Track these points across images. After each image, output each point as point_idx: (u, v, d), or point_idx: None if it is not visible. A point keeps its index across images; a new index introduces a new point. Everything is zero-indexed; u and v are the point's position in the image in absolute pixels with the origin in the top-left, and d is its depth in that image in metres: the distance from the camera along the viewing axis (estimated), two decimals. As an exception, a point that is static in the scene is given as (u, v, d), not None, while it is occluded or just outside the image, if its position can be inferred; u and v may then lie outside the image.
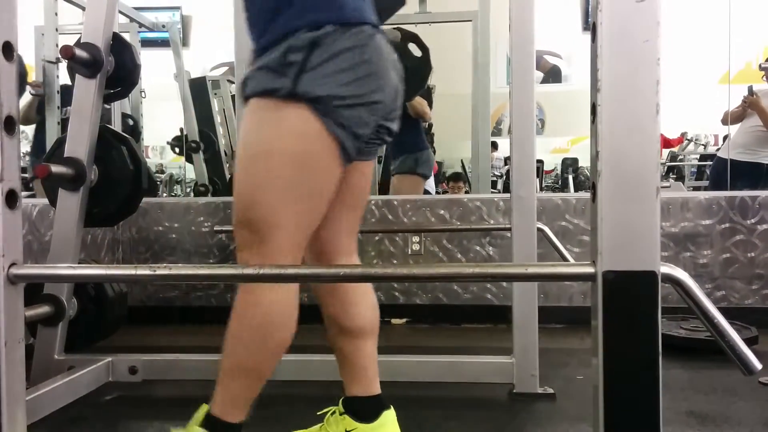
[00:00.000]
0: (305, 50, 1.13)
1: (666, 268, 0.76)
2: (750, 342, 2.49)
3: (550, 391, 1.99)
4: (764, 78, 4.35)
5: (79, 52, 2.02)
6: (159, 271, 0.82)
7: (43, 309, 2.04)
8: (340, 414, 1.47)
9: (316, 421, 1.56)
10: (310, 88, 1.13)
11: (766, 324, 2.89)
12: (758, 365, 0.76)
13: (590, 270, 0.77)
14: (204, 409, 1.28)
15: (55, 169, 2.00)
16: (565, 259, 2.05)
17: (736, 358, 0.76)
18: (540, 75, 7.14)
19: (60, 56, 2.22)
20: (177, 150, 5.31)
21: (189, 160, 5.01)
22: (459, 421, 1.65)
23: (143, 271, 0.82)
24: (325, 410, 1.55)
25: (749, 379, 2.09)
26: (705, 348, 2.42)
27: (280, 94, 1.14)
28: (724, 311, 0.80)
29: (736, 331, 0.79)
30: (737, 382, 2.07)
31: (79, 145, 2.06)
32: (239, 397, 1.28)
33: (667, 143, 6.17)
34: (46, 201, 2.31)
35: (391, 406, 1.51)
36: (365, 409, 1.43)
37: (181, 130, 4.97)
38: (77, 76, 2.10)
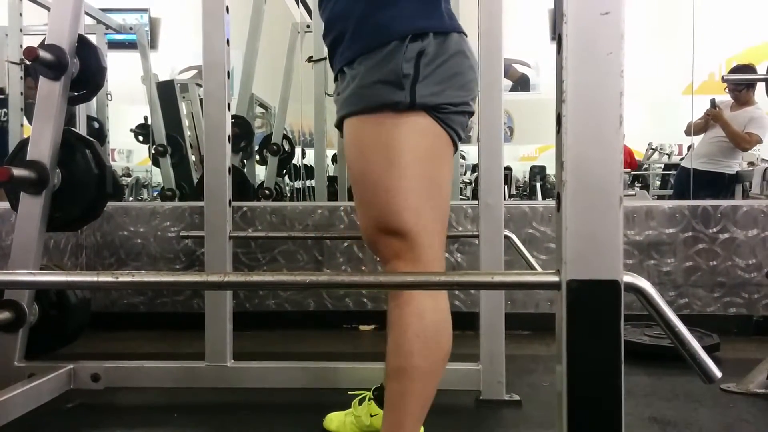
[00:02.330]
0: (414, 60, 1.18)
1: (629, 277, 0.77)
2: (711, 349, 2.54)
3: (516, 398, 2.01)
4: (726, 90, 4.45)
5: (44, 54, 1.98)
6: (122, 278, 0.80)
7: (3, 315, 2.00)
8: (369, 399, 1.65)
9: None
10: (426, 97, 1.19)
11: (727, 331, 2.96)
12: (718, 373, 0.77)
13: (555, 279, 0.78)
14: None
15: (17, 172, 1.95)
16: (531, 266, 2.07)
17: (697, 366, 0.77)
18: (508, 83, 7.22)
19: (24, 57, 2.17)
20: (141, 138, 5.23)
21: (156, 163, 4.94)
22: (426, 428, 1.65)
23: (105, 278, 0.80)
24: (357, 391, 1.68)
25: (711, 385, 2.13)
26: (668, 355, 2.46)
27: (400, 106, 1.18)
28: (686, 319, 0.82)
29: (697, 339, 0.80)
30: (699, 389, 2.11)
31: (42, 148, 2.02)
32: (414, 424, 1.24)
33: (631, 162, 6.28)
34: (7, 205, 2.26)
35: None
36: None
37: (146, 118, 4.90)
38: (41, 78, 2.06)
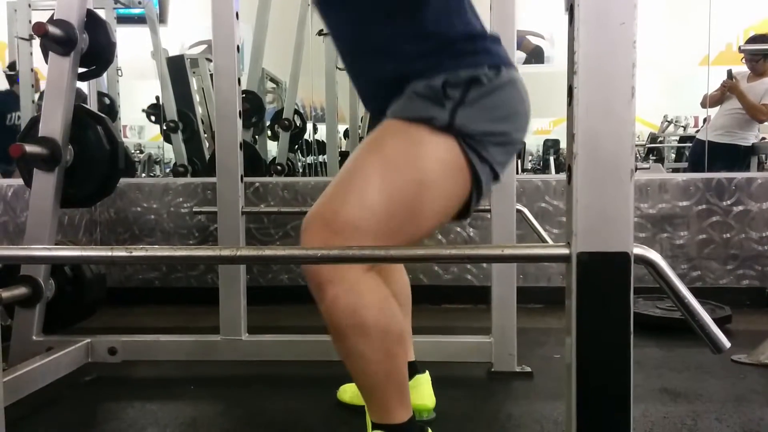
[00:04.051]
0: (463, 86, 1.16)
1: (639, 249, 0.77)
2: (723, 321, 2.54)
3: (528, 369, 2.02)
4: (743, 60, 4.38)
5: (53, 29, 1.98)
6: (136, 253, 0.81)
7: (20, 290, 2.03)
8: None
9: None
10: (466, 122, 1.15)
11: (739, 304, 2.95)
12: (727, 343, 0.78)
13: (565, 251, 0.78)
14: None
15: (30, 148, 1.97)
16: (542, 240, 2.07)
17: (705, 336, 0.78)
18: (522, 55, 7.13)
19: (33, 33, 2.18)
20: (153, 118, 5.23)
21: (167, 140, 4.95)
22: (438, 399, 1.67)
23: (120, 252, 0.81)
24: None
25: (722, 357, 2.14)
26: (679, 327, 2.46)
27: (434, 123, 1.15)
28: (699, 291, 0.82)
29: (709, 311, 0.80)
30: (710, 360, 2.12)
31: (54, 124, 2.03)
32: (395, 394, 1.23)
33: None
34: (21, 181, 2.28)
35: (426, 371, 1.68)
36: None
37: (157, 98, 4.89)
38: (51, 54, 2.06)
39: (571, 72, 0.77)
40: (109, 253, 0.81)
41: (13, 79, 4.07)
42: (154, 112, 5.12)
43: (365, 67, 1.31)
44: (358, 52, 1.31)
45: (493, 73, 1.19)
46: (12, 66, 4.10)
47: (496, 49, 1.24)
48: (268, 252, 0.84)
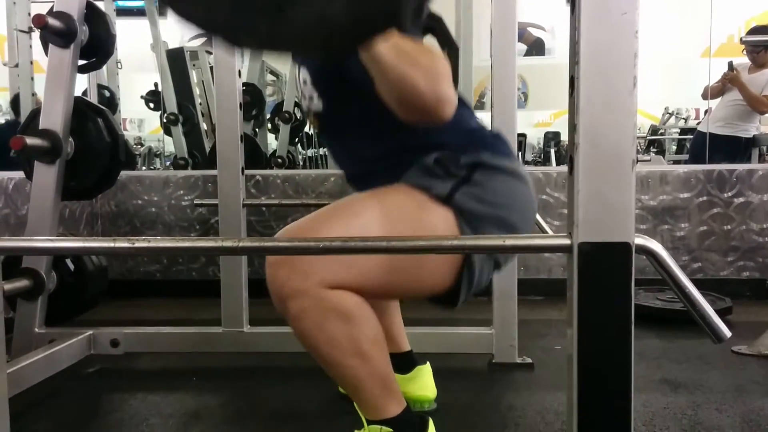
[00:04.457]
0: (468, 168, 1.20)
1: (640, 240, 0.77)
2: (724, 313, 2.54)
3: (529, 360, 2.03)
4: (744, 52, 4.37)
5: (53, 21, 1.98)
6: (138, 244, 0.82)
7: (22, 282, 2.03)
8: None
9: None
10: (465, 201, 1.18)
11: (740, 295, 2.95)
12: (727, 333, 0.78)
13: (566, 241, 0.78)
14: (366, 427, 1.25)
15: (30, 141, 1.97)
16: (543, 231, 2.07)
17: (706, 326, 0.78)
18: (523, 47, 7.11)
19: (32, 25, 2.17)
20: (152, 105, 5.22)
21: (168, 132, 4.94)
22: (439, 390, 1.68)
23: (122, 243, 0.82)
24: None
25: (722, 348, 2.14)
26: (680, 319, 2.47)
27: (433, 193, 1.18)
28: (700, 283, 0.82)
29: (710, 303, 0.80)
30: (711, 352, 2.12)
31: (54, 116, 2.03)
32: (381, 392, 1.23)
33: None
34: (22, 174, 2.28)
35: (427, 362, 1.68)
36: (398, 363, 1.48)
37: (156, 84, 4.88)
38: (51, 46, 2.06)
39: (573, 62, 0.76)
40: (112, 244, 0.81)
41: (17, 110, 4.07)
42: (153, 99, 5.11)
43: (357, 143, 1.33)
44: (353, 128, 1.32)
45: (497, 160, 1.24)
46: (15, 100, 4.09)
47: (501, 142, 1.30)
48: (270, 243, 0.85)
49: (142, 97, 5.30)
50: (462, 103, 1.24)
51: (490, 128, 1.35)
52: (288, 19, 0.60)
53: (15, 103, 4.06)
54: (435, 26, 1.31)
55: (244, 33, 0.63)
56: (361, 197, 1.22)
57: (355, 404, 1.27)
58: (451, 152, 1.22)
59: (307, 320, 1.12)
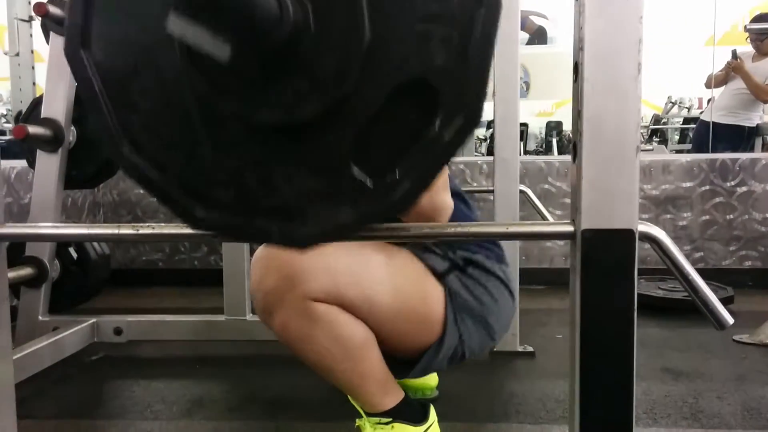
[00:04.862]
0: (463, 261, 1.26)
1: (643, 227, 0.77)
2: (726, 302, 2.54)
3: (530, 349, 2.04)
4: (748, 40, 4.34)
5: (54, 9, 1.97)
6: (142, 231, 0.82)
7: (26, 271, 2.04)
8: None
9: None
10: (457, 286, 1.24)
11: (742, 284, 2.96)
12: (730, 320, 0.78)
13: (569, 228, 0.78)
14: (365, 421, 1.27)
15: (33, 130, 1.97)
16: (545, 219, 2.07)
17: (709, 313, 0.78)
18: (525, 36, 7.07)
19: (33, 14, 2.17)
20: None
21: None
22: (441, 378, 1.69)
23: (126, 230, 0.82)
24: None
25: (724, 336, 2.15)
26: (681, 308, 2.47)
27: (430, 265, 1.24)
28: (702, 272, 0.82)
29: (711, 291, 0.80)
30: (712, 340, 2.13)
31: (56, 105, 2.03)
32: (377, 389, 1.25)
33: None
34: (24, 163, 2.29)
35: None
36: None
37: None
38: (52, 34, 2.06)
39: (577, 48, 0.76)
40: (116, 231, 0.82)
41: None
42: None
43: None
44: None
45: (490, 263, 1.28)
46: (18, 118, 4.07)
47: (497, 247, 1.34)
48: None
49: None
50: (461, 198, 1.30)
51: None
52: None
53: (17, 121, 4.04)
54: None
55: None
56: (374, 244, 1.22)
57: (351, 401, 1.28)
58: (456, 249, 1.27)
59: (292, 331, 1.13)
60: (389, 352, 1.25)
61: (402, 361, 1.26)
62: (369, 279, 1.15)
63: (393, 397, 1.24)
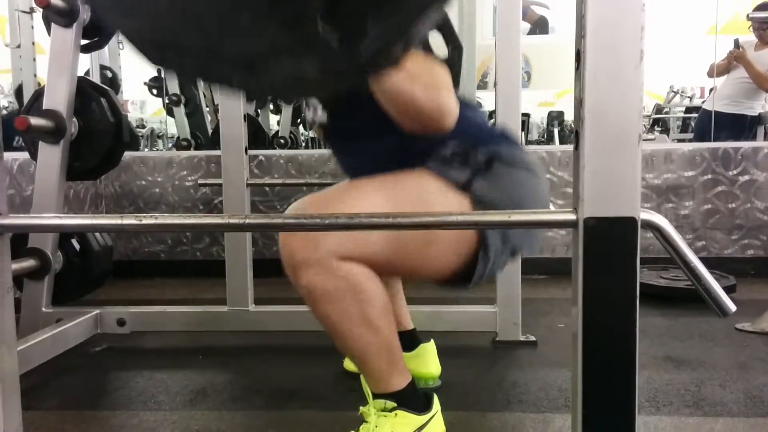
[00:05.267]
0: (485, 159, 1.21)
1: (645, 215, 0.77)
2: (728, 290, 2.54)
3: (532, 338, 2.04)
4: (751, 29, 4.33)
5: (55, 1, 1.96)
6: (145, 221, 0.82)
7: (29, 263, 2.04)
8: None
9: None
10: (483, 190, 1.19)
11: (744, 273, 2.96)
12: (732, 307, 0.78)
13: (572, 217, 0.78)
14: (371, 401, 1.27)
15: (35, 121, 1.97)
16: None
17: (711, 300, 0.78)
18: (526, 26, 7.04)
19: (35, 5, 2.16)
20: (155, 91, 5.21)
21: (170, 114, 4.93)
22: (444, 367, 1.69)
23: (129, 221, 0.82)
24: None
25: (726, 325, 2.15)
26: (684, 296, 2.48)
27: (451, 178, 1.19)
28: (704, 261, 0.82)
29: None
30: (714, 329, 2.13)
31: (58, 97, 2.03)
32: (388, 365, 1.25)
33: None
34: (26, 155, 2.29)
35: (431, 340, 1.70)
36: (402, 341, 1.49)
37: (159, 70, 4.86)
38: (53, 26, 2.05)
39: (579, 36, 0.76)
40: (119, 221, 0.82)
41: (21, 100, 4.04)
42: (156, 85, 5.08)
43: (364, 150, 1.33)
44: (358, 136, 1.32)
45: (512, 153, 1.25)
46: (19, 90, 4.07)
47: (511, 137, 1.31)
48: (276, 220, 0.85)
49: (145, 83, 5.27)
50: (467, 105, 1.25)
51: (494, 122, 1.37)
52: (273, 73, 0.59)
53: (19, 92, 4.05)
54: (440, 23, 1.31)
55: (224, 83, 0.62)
56: (379, 177, 1.22)
57: (361, 378, 1.28)
58: (468, 144, 1.23)
59: (317, 290, 1.13)
60: (437, 280, 1.27)
61: (451, 282, 1.26)
62: None
63: (402, 378, 1.25)
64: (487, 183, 1.20)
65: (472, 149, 1.22)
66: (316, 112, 1.33)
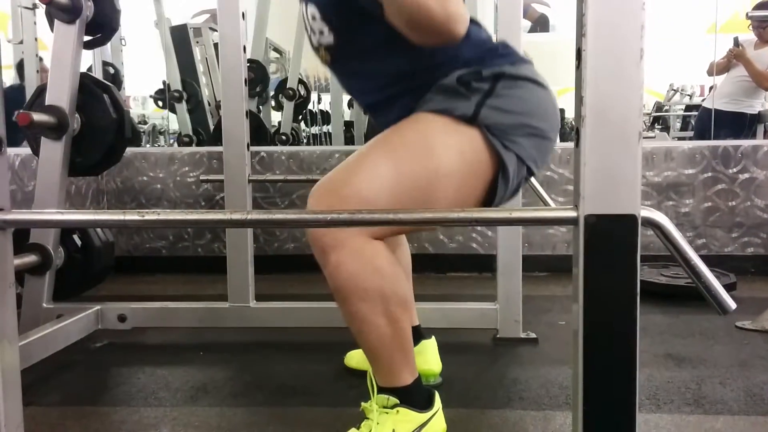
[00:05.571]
0: (491, 80, 1.18)
1: (646, 212, 0.78)
2: (728, 288, 2.52)
3: (533, 335, 2.04)
4: (750, 27, 4.33)
5: (57, -3, 1.97)
6: (148, 217, 0.82)
7: (30, 258, 2.05)
8: None
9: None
10: (491, 114, 1.16)
11: (744, 271, 2.96)
12: (732, 305, 0.78)
13: (572, 214, 0.79)
14: (374, 397, 1.27)
15: (37, 117, 1.97)
16: (548, 205, 2.07)
17: (711, 298, 0.78)
18: (527, 24, 7.02)
19: (37, 1, 2.16)
20: (160, 104, 5.22)
21: (172, 110, 4.93)
22: (444, 364, 1.70)
23: (132, 216, 0.82)
24: None
25: (726, 323, 2.16)
26: (684, 294, 2.48)
27: (457, 114, 1.16)
28: (704, 259, 0.82)
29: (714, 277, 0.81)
30: (715, 327, 2.14)
31: (61, 92, 2.03)
32: (400, 359, 1.25)
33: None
34: (28, 150, 2.29)
35: (432, 337, 1.71)
36: None
37: (164, 82, 4.88)
38: (56, 22, 2.05)
39: (580, 34, 0.76)
40: (122, 217, 0.82)
41: (22, 75, 4.05)
42: (161, 97, 5.09)
43: (372, 71, 1.31)
44: (366, 57, 1.29)
45: (517, 69, 1.22)
46: (20, 65, 4.08)
47: (514, 51, 1.28)
48: (277, 216, 0.85)
49: (151, 96, 5.30)
50: (471, 19, 1.20)
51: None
52: None
53: (20, 67, 4.06)
54: None
55: None
56: (384, 138, 1.21)
57: (368, 373, 1.28)
58: (471, 68, 1.20)
59: (343, 271, 1.14)
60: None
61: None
62: (414, 184, 1.14)
63: (410, 374, 1.25)
64: (495, 109, 1.17)
65: (476, 74, 1.19)
66: (322, 34, 1.32)
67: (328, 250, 1.14)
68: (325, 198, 1.15)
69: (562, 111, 6.99)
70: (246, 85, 2.12)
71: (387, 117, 1.28)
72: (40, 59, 3.83)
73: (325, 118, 5.46)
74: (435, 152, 1.16)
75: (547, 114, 1.24)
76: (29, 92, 3.86)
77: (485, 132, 1.16)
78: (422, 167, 1.15)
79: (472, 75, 1.19)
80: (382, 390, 1.26)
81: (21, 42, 3.85)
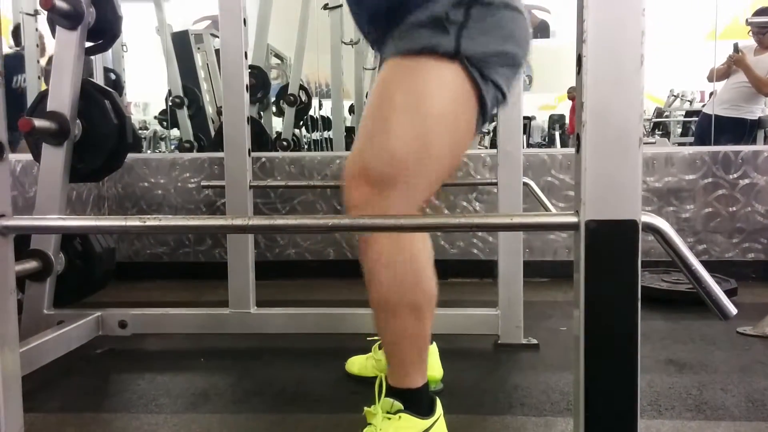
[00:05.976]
0: (465, 7, 1.14)
1: (647, 217, 0.78)
2: (729, 294, 2.55)
3: (534, 341, 2.04)
4: (750, 33, 4.33)
5: (60, 3, 1.97)
6: (149, 222, 0.82)
7: (31, 264, 2.05)
8: None
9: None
10: (471, 44, 1.14)
11: (745, 276, 2.96)
12: (733, 310, 0.78)
13: (573, 219, 0.79)
14: (379, 402, 1.28)
15: (39, 123, 1.97)
16: (549, 211, 2.08)
17: (712, 303, 0.78)
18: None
19: (39, 7, 2.17)
20: (165, 124, 5.26)
21: (174, 125, 4.95)
22: (446, 370, 1.70)
23: (133, 222, 0.82)
24: (376, 336, 1.65)
25: (727, 328, 2.15)
26: (685, 300, 2.48)
27: (440, 50, 1.13)
28: (705, 264, 0.82)
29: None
30: (716, 332, 2.14)
31: (62, 98, 2.04)
32: (416, 358, 1.26)
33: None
34: (29, 156, 2.29)
35: (434, 343, 1.69)
36: None
37: (166, 100, 4.89)
38: (58, 28, 2.06)
39: (580, 40, 0.77)
40: (123, 223, 0.82)
41: (19, 41, 4.04)
42: (166, 118, 5.11)
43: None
44: None
45: None
46: (16, 30, 4.07)
47: None
48: (279, 221, 0.85)
49: (155, 117, 5.34)
50: None
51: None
52: None
53: (16, 32, 4.05)
54: None
55: None
56: (378, 105, 1.19)
57: (380, 376, 1.29)
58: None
59: (376, 250, 1.16)
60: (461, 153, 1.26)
61: None
62: (419, 147, 1.14)
63: (421, 377, 1.26)
64: (470, 37, 1.14)
65: (448, 3, 1.15)
66: None
67: (373, 239, 1.16)
68: (357, 189, 1.15)
69: (562, 116, 7.02)
70: (247, 91, 2.12)
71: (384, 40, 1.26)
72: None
73: (326, 123, 5.47)
74: (429, 102, 1.14)
75: (521, 40, 1.22)
76: (28, 67, 3.86)
77: (467, 67, 1.14)
78: (423, 122, 1.14)
79: (447, 4, 1.15)
80: (389, 392, 1.26)
81: (22, 48, 3.86)
